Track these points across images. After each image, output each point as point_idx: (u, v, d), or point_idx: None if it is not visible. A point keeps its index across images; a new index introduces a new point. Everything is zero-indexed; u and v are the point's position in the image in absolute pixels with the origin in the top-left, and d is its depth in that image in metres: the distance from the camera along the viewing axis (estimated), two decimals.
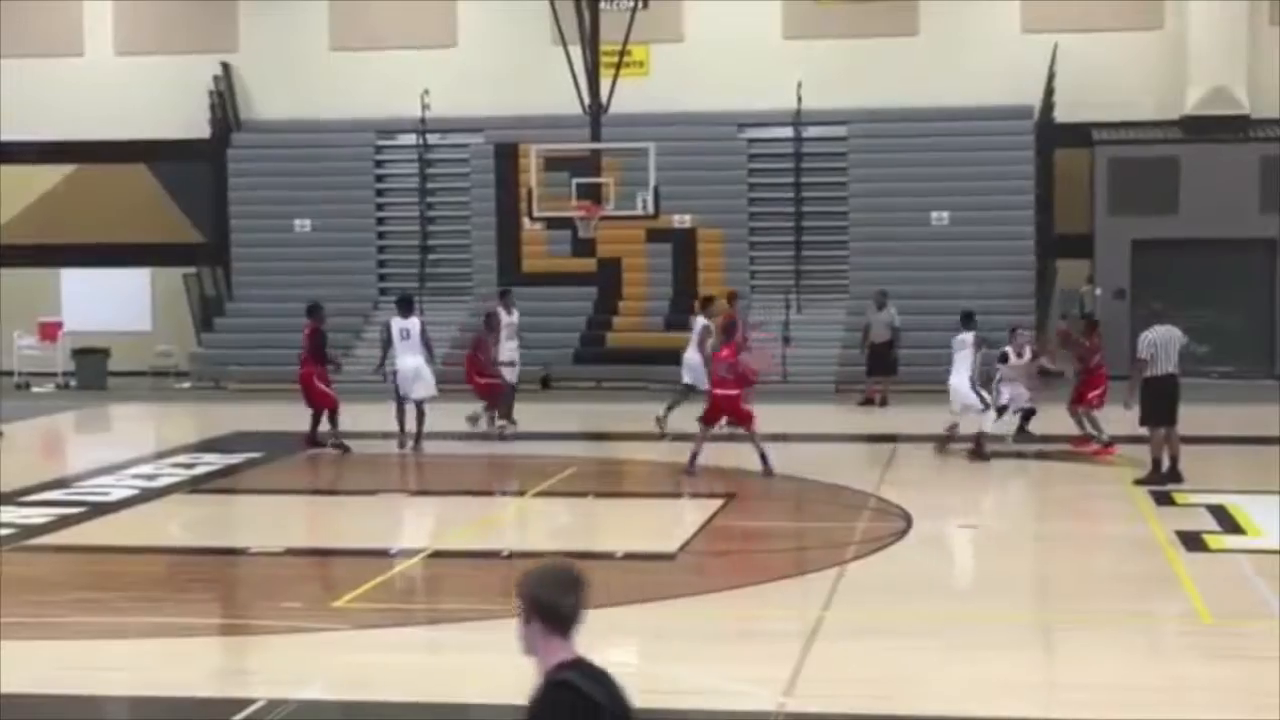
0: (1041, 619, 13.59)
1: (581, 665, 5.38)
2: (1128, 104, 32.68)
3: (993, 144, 33.15)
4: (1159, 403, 19.38)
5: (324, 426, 23.34)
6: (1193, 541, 15.94)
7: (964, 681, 11.15)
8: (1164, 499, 18.42)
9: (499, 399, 24.44)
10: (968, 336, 22.97)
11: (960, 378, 22.47)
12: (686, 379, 24.27)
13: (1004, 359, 22.58)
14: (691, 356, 24.24)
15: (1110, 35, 32.96)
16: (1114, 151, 32.37)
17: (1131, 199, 32.02)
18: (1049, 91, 32.54)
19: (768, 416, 25.47)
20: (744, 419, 20.73)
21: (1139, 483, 19.30)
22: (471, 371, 24.37)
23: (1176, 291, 28.00)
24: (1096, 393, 22.18)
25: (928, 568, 15.18)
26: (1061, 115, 32.47)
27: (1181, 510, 17.79)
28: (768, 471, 20.26)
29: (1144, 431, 19.73)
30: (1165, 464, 19.37)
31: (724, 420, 20.85)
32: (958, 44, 33.62)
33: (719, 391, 20.69)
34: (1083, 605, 13.82)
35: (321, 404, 23.36)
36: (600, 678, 5.38)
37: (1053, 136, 32.70)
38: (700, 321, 24.75)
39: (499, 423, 24.45)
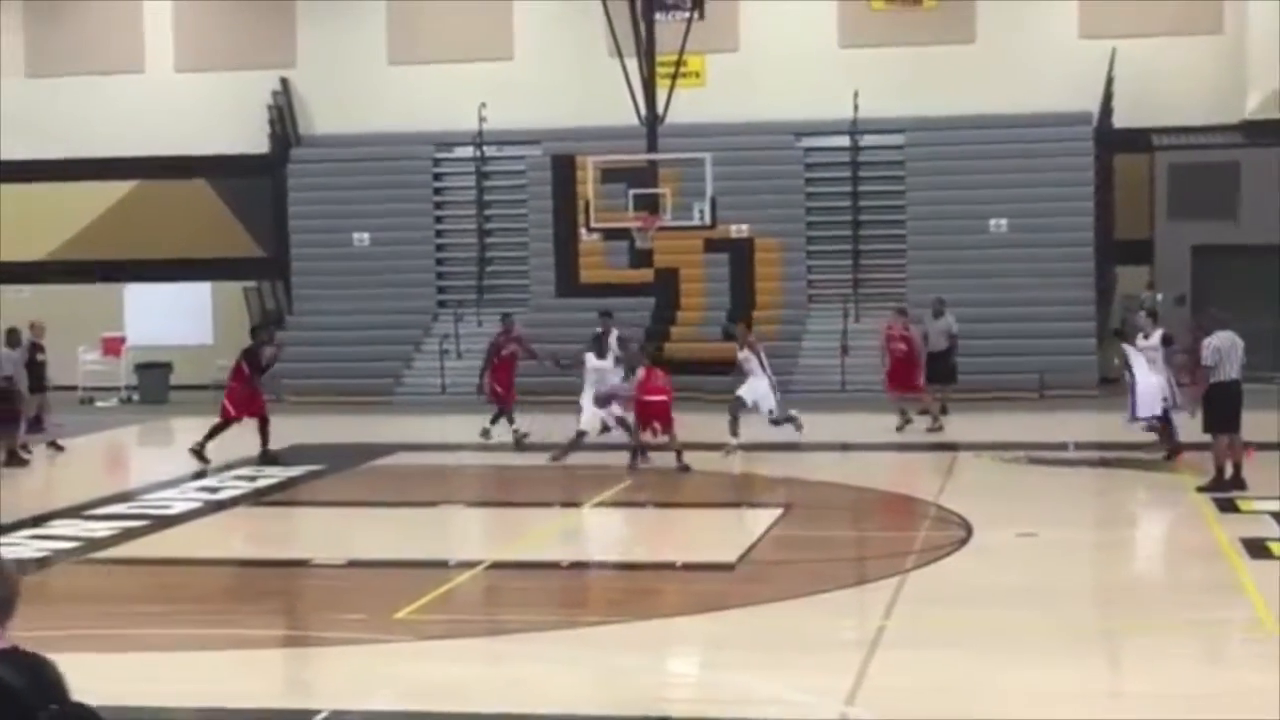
0: (1104, 627, 13.52)
1: (9, 655, 5.45)
2: (1187, 109, 32.50)
3: (1051, 150, 32.99)
4: (1222, 409, 19.26)
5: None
6: (1256, 549, 15.80)
7: (1026, 690, 11.11)
8: (1227, 506, 18.27)
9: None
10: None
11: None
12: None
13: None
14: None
15: (1169, 40, 32.78)
16: (1174, 157, 32.18)
17: (1191, 204, 31.81)
18: (1108, 97, 32.40)
19: (826, 425, 25.54)
20: (666, 423, 21.96)
21: (1202, 490, 19.16)
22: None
23: (1237, 297, 27.78)
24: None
25: (989, 576, 15.12)
26: (1120, 120, 32.33)
27: (1245, 517, 17.64)
28: (632, 463, 21.97)
29: (1207, 438, 19.60)
30: (1228, 471, 19.24)
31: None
32: (1015, 50, 33.50)
33: (648, 398, 21.95)
34: (1145, 613, 13.75)
35: (223, 415, 23.99)
36: (31, 667, 5.47)
37: (1112, 142, 32.57)
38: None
39: (513, 428, 24.99)
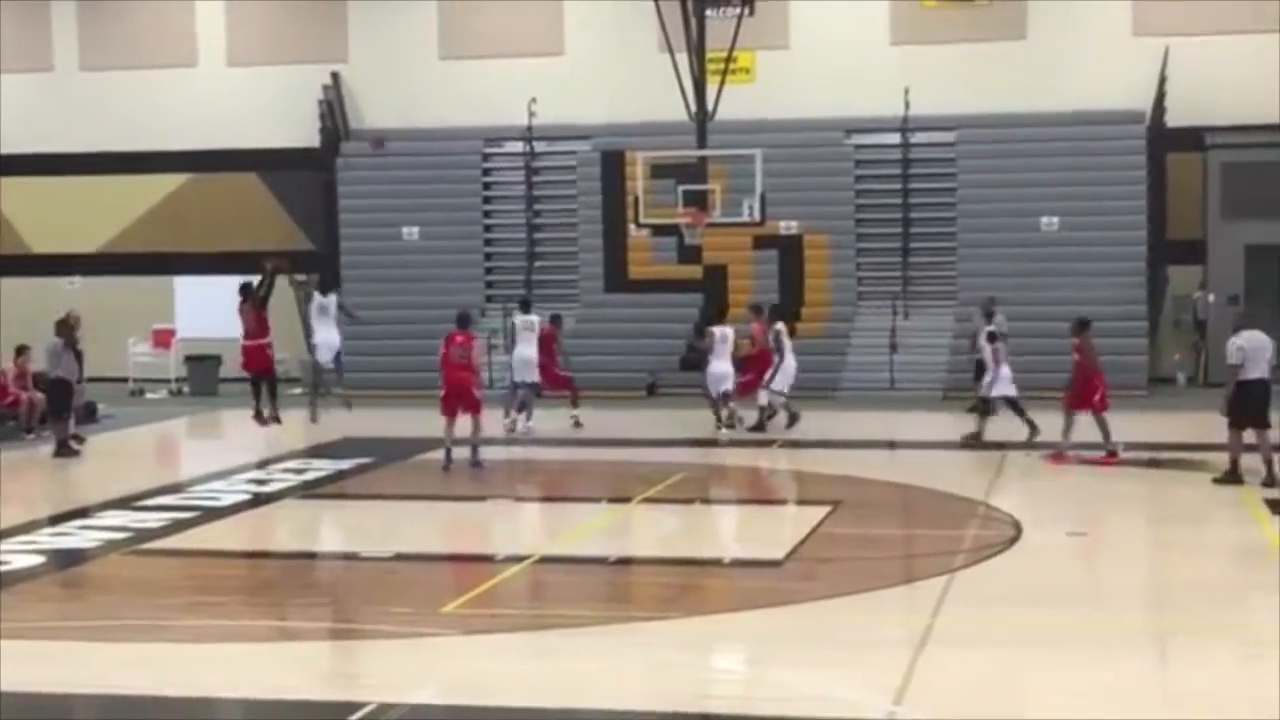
0: (1153, 627, 13.43)
1: None
2: (1241, 107, 32.18)
3: (1103, 149, 32.79)
4: (1245, 407, 19.60)
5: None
6: None
7: (1074, 690, 11.05)
8: (1279, 507, 18.15)
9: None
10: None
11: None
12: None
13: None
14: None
15: (1223, 38, 32.48)
16: (1227, 156, 31.96)
17: (1245, 204, 31.61)
18: (1160, 95, 32.18)
19: (875, 423, 25.44)
20: (474, 406, 21.82)
21: (1218, 481, 19.59)
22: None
23: None
24: (1099, 395, 22.15)
25: (1038, 576, 15.05)
26: (1173, 119, 32.11)
27: None
28: (476, 463, 21.79)
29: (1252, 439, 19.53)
30: (1243, 467, 19.51)
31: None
32: (1067, 48, 33.31)
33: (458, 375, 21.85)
34: (1195, 614, 13.64)
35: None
36: None
37: (1164, 141, 32.34)
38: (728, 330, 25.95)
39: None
